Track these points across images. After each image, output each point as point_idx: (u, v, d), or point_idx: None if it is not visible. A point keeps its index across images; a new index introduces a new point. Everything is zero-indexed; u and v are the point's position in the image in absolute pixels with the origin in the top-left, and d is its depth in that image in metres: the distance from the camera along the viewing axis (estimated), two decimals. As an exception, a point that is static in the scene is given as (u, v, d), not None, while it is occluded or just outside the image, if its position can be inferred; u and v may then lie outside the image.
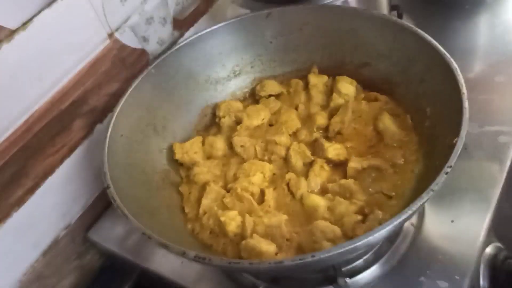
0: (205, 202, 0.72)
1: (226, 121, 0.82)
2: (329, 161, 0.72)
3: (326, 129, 0.77)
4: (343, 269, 0.66)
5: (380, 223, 0.61)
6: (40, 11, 0.65)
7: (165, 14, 0.87)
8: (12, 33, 0.62)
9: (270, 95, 0.85)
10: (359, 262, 0.68)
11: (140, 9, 0.81)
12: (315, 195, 0.68)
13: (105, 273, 0.88)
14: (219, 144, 0.79)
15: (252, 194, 0.70)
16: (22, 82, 0.65)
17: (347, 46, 0.80)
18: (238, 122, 0.81)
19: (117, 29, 0.78)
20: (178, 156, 0.77)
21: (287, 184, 0.72)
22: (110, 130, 0.69)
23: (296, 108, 0.82)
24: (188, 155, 0.77)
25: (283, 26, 0.82)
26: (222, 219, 0.66)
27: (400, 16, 0.92)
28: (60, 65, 0.70)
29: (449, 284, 0.64)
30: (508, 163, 0.75)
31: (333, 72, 0.82)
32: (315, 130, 0.77)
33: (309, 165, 0.73)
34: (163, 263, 0.77)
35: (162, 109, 0.80)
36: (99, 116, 0.80)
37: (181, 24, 0.93)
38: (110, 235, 0.83)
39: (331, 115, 0.78)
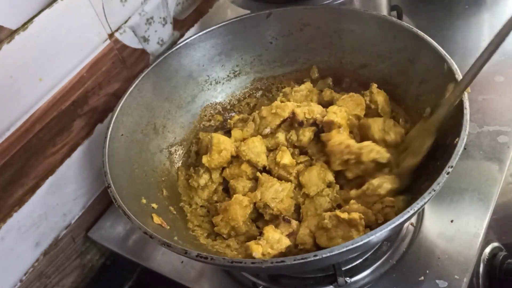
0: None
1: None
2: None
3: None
4: (343, 268, 0.66)
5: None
6: (40, 11, 0.65)
7: (165, 14, 0.87)
8: (12, 33, 0.62)
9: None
10: (359, 261, 0.69)
11: (140, 9, 0.81)
12: None
13: (106, 272, 0.88)
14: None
15: None
16: (22, 82, 0.65)
17: (347, 46, 0.80)
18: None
19: (117, 29, 0.78)
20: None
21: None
22: (110, 129, 0.69)
23: None
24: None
25: (283, 26, 0.82)
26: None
27: (400, 16, 0.92)
28: (60, 65, 0.70)
29: (449, 283, 0.64)
30: (507, 163, 0.75)
31: (332, 72, 0.83)
32: None
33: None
34: (164, 262, 0.77)
35: (162, 108, 0.80)
36: (99, 116, 0.80)
37: (181, 24, 0.93)
38: (110, 235, 0.83)
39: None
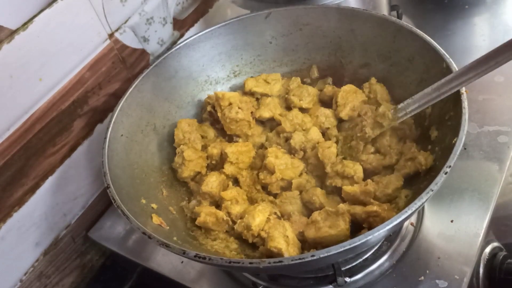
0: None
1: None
2: None
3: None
4: (343, 268, 0.66)
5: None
6: (40, 11, 0.65)
7: (165, 14, 0.87)
8: (12, 33, 0.63)
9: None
10: (359, 261, 0.69)
11: (140, 10, 0.81)
12: None
13: (106, 272, 0.88)
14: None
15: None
16: (22, 82, 0.66)
17: (347, 46, 0.80)
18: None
19: (117, 29, 0.78)
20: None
21: None
22: (110, 129, 0.69)
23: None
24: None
25: (283, 26, 0.82)
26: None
27: (399, 16, 0.92)
28: (60, 65, 0.70)
29: (448, 283, 0.64)
30: (507, 163, 0.75)
31: (332, 72, 0.83)
32: None
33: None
34: (164, 262, 0.77)
35: (162, 108, 0.80)
36: (99, 116, 0.80)
37: (181, 24, 0.93)
38: (110, 235, 0.84)
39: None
